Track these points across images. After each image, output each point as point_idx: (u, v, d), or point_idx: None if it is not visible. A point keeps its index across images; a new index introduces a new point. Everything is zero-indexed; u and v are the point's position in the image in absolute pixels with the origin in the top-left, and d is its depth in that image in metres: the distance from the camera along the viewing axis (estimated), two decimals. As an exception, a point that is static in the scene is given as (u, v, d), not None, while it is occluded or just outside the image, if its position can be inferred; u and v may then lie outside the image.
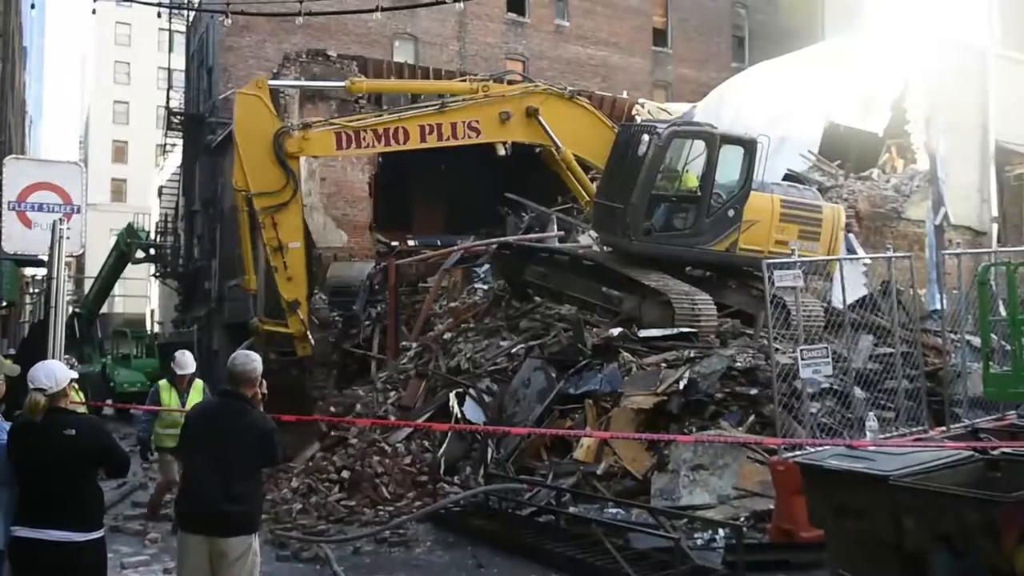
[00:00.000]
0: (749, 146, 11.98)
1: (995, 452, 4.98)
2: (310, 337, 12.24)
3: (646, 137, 11.93)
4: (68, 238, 7.61)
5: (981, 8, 21.36)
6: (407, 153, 20.82)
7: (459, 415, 10.68)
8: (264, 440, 4.54)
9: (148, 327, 41.68)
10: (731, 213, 11.90)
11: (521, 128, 12.52)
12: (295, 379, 12.20)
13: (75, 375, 4.73)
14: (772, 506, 7.57)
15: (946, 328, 10.08)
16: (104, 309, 33.43)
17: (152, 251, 31.91)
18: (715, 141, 11.83)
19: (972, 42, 19.31)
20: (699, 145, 11.93)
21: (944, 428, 8.07)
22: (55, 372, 4.31)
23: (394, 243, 20.35)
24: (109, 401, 21.76)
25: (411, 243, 20.53)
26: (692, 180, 12.09)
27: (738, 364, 9.76)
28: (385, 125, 12.02)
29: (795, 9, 32.77)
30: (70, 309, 29.51)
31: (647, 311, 11.50)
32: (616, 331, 11.09)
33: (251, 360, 4.59)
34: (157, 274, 34.15)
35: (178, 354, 8.91)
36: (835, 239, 12.37)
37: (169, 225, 33.47)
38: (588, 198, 13.43)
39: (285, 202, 11.58)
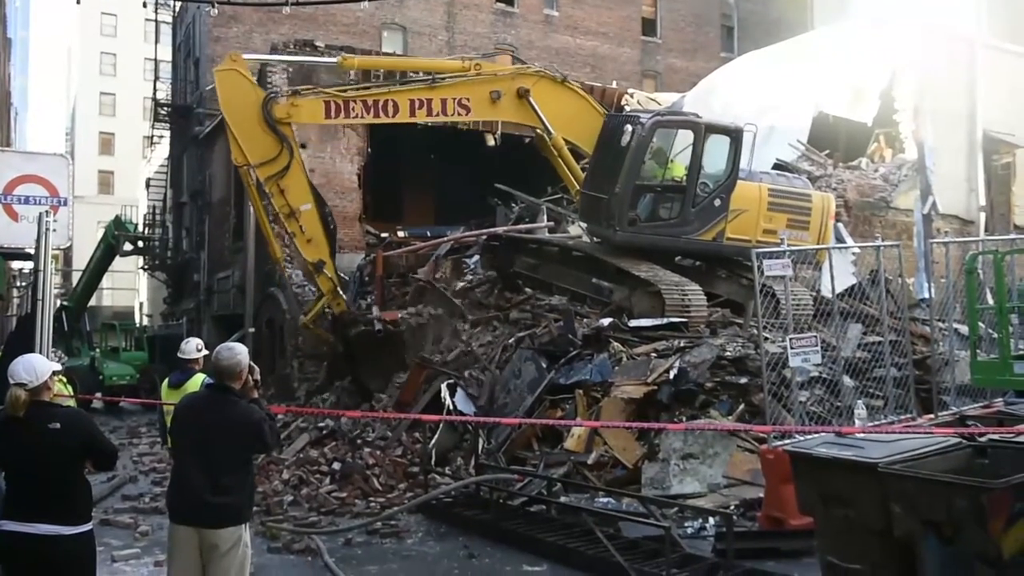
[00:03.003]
0: (735, 135, 11.95)
1: (982, 439, 5.01)
2: (342, 293, 12.34)
3: (629, 127, 11.88)
4: (55, 231, 7.55)
5: (968, -2, 21.44)
6: (397, 144, 20.91)
7: (450, 406, 10.69)
8: (253, 429, 4.53)
9: (137, 320, 41.49)
10: (717, 202, 11.91)
11: (512, 109, 12.48)
12: (384, 339, 12.33)
13: (57, 367, 4.69)
14: (762, 494, 7.61)
15: (934, 316, 10.14)
16: (92, 302, 33.20)
17: (140, 243, 31.71)
18: (700, 130, 11.82)
19: (960, 32, 19.36)
20: (685, 135, 11.90)
21: (932, 416, 8.12)
22: (35, 366, 4.27)
23: (384, 234, 20.32)
24: (98, 394, 21.66)
25: (401, 234, 20.51)
26: (678, 170, 12.07)
27: (728, 353, 9.80)
28: (375, 97, 11.94)
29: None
30: (58, 302, 29.33)
31: (637, 302, 11.53)
32: (606, 321, 11.11)
33: (235, 353, 4.57)
34: (145, 267, 33.97)
35: (183, 342, 8.79)
36: (825, 228, 12.34)
37: (157, 217, 33.30)
38: (578, 187, 13.44)
39: (286, 166, 11.59)
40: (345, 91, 11.93)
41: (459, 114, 12.31)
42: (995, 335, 8.06)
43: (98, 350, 27.19)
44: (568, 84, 13.04)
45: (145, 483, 11.50)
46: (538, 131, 13.05)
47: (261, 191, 11.84)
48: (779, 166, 16.23)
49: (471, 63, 12.46)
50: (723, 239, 11.93)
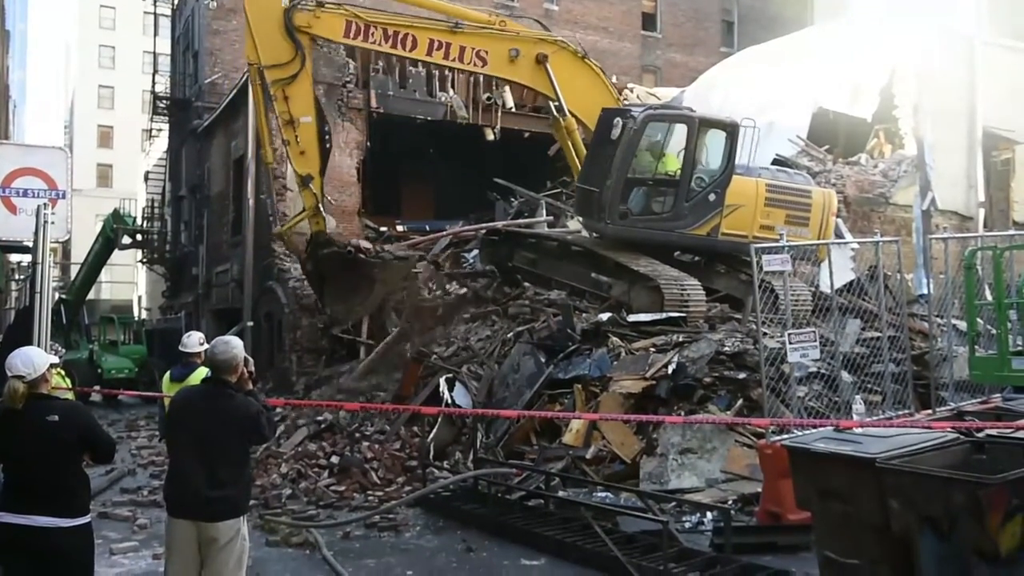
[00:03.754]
0: (731, 130, 11.90)
1: (980, 434, 5.02)
2: (323, 211, 12.47)
3: (620, 120, 11.81)
4: (53, 223, 7.54)
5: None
6: (396, 138, 20.88)
7: (449, 400, 10.69)
8: (250, 422, 4.54)
9: (135, 313, 41.46)
10: (712, 197, 11.87)
11: (528, 71, 12.50)
12: (335, 256, 12.38)
13: (55, 359, 4.69)
14: (760, 489, 7.62)
15: (932, 312, 10.15)
16: (91, 295, 33.16)
17: (139, 237, 31.65)
18: (694, 124, 11.81)
19: (960, 28, 19.34)
20: (681, 129, 11.87)
21: (930, 411, 8.13)
22: (32, 358, 4.27)
23: (383, 228, 20.29)
24: (97, 387, 21.65)
25: (400, 228, 20.49)
26: (674, 164, 12.04)
27: (726, 348, 9.81)
28: (396, 27, 12.04)
29: (784, -6, 32.75)
30: (56, 295, 29.29)
31: (636, 296, 11.54)
32: (605, 316, 11.12)
33: (231, 347, 4.58)
34: (144, 260, 33.90)
35: (185, 336, 8.77)
36: (826, 224, 12.26)
37: (156, 211, 33.23)
38: None
39: (295, 74, 11.62)
40: (370, 14, 12.02)
41: (475, 65, 12.36)
42: (993, 331, 8.07)
43: (97, 343, 27.16)
44: (587, 61, 13.04)
45: (144, 476, 11.51)
46: (553, 108, 13.04)
47: (266, 94, 11.83)
48: (778, 162, 16.22)
49: (497, 18, 12.59)
50: (718, 234, 11.89)
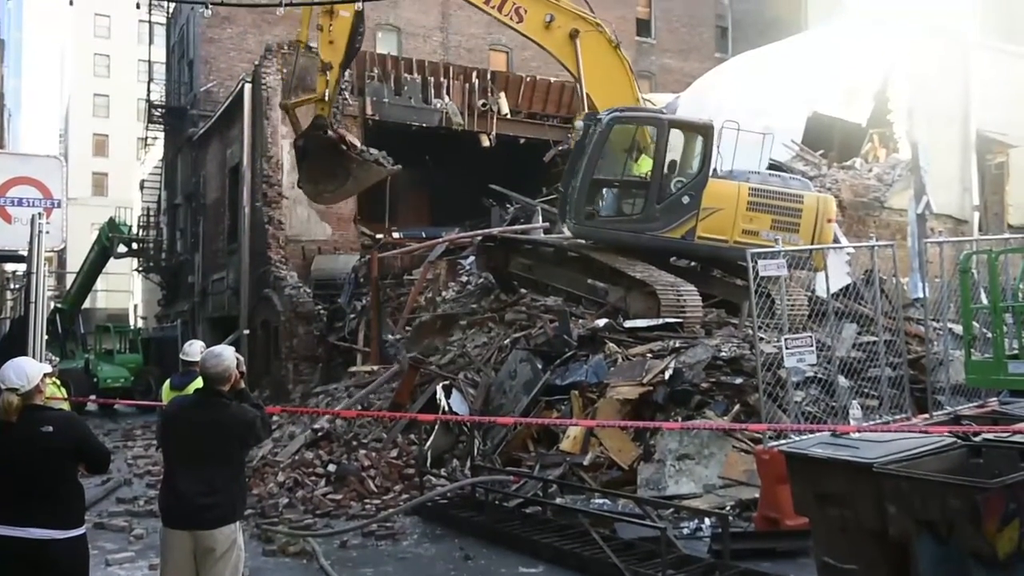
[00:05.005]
0: (704, 131, 11.81)
1: (977, 438, 5.01)
2: (332, 97, 13.11)
3: (580, 123, 12.03)
4: (48, 233, 7.53)
5: (961, -2, 21.49)
6: (392, 145, 20.87)
7: (446, 407, 10.67)
8: (245, 428, 4.54)
9: (131, 322, 41.37)
10: (686, 199, 11.67)
11: (558, 42, 12.87)
12: (324, 140, 12.99)
13: (48, 369, 4.66)
14: (757, 495, 7.61)
15: (928, 316, 10.14)
16: (86, 304, 33.10)
17: (134, 245, 31.62)
18: (663, 126, 11.76)
19: (953, 32, 19.41)
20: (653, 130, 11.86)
21: (927, 415, 8.13)
22: (26, 369, 4.24)
23: (379, 235, 20.29)
24: (93, 397, 21.59)
25: (396, 235, 20.49)
26: (649, 165, 12.01)
27: (723, 354, 9.79)
28: None
29: (777, 0, 32.85)
30: (51, 304, 29.22)
31: (633, 302, 11.53)
32: (602, 322, 11.11)
33: (222, 360, 4.57)
34: (140, 268, 33.86)
35: (187, 344, 8.73)
36: (819, 230, 11.81)
37: (151, 219, 33.20)
38: None
39: None
40: None
41: (511, 19, 12.72)
42: (989, 334, 8.07)
43: (92, 352, 27.10)
44: (619, 52, 13.21)
45: (140, 486, 11.47)
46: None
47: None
48: (774, 166, 16.24)
49: None
50: (694, 237, 11.68)
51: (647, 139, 12.14)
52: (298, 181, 14.32)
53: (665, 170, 11.92)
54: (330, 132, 13.04)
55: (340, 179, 13.42)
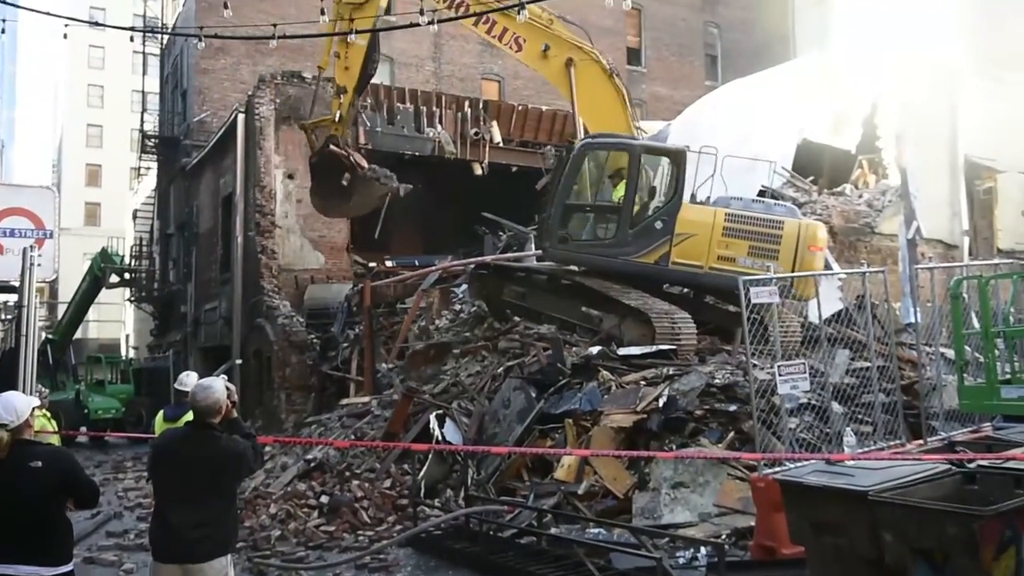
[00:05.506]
0: (676, 157, 11.90)
1: (971, 465, 5.01)
2: (346, 119, 14.24)
3: (563, 151, 12.24)
4: (39, 265, 7.51)
5: (948, 26, 21.78)
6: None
7: (440, 437, 10.61)
8: (236, 461, 4.51)
9: (123, 352, 41.17)
10: (659, 225, 11.70)
11: (554, 70, 13.40)
12: (331, 155, 14.02)
13: (37, 403, 4.63)
14: (753, 523, 7.57)
15: (920, 341, 10.17)
16: (78, 334, 32.96)
17: (127, 275, 31.57)
18: (635, 152, 11.90)
19: (940, 59, 19.65)
20: (646, 158, 11.99)
21: (921, 441, 8.12)
22: (15, 404, 4.21)
23: (371, 264, 20.30)
24: (83, 428, 21.42)
25: (389, 264, 20.50)
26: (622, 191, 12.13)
27: (717, 381, 9.78)
28: None
29: (766, 29, 33.26)
30: (43, 335, 29.06)
31: (627, 330, 11.52)
32: (595, 350, 11.09)
33: (212, 392, 4.55)
34: (132, 298, 33.76)
35: (183, 374, 8.69)
36: (800, 257, 11.44)
37: (144, 249, 33.17)
38: None
39: (362, 3, 13.13)
40: None
41: (511, 48, 13.35)
42: (982, 359, 8.09)
43: (83, 383, 26.94)
44: (614, 79, 13.50)
45: (130, 519, 11.36)
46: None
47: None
48: (764, 193, 16.34)
49: (547, 15, 13.39)
50: (667, 263, 11.69)
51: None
52: (310, 194, 15.48)
53: (645, 196, 12.04)
54: (333, 147, 13.84)
55: (346, 195, 14.25)
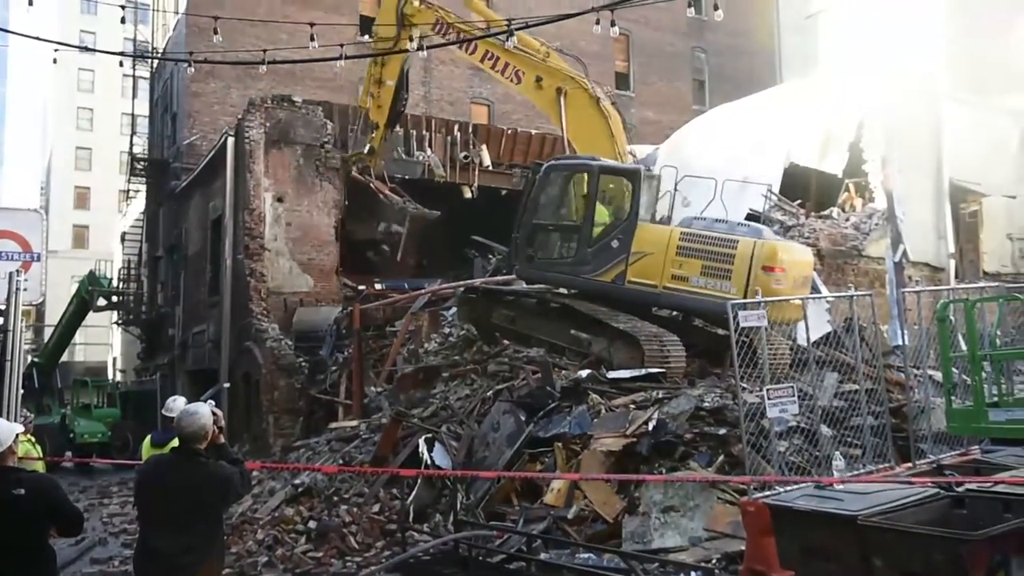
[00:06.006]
0: (632, 176, 12.10)
1: (960, 489, 5.02)
2: (378, 151, 17.01)
3: (531, 173, 12.93)
4: (25, 290, 7.46)
5: (931, 52, 22.08)
6: (373, 197, 21.13)
7: (428, 461, 10.55)
8: (223, 487, 4.47)
9: (110, 375, 40.86)
10: (615, 244, 11.85)
11: (547, 99, 14.28)
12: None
13: (21, 429, 4.59)
14: (743, 547, 7.53)
15: (908, 363, 10.20)
16: (64, 357, 32.73)
17: (114, 298, 31.41)
18: (594, 172, 12.22)
19: (924, 84, 19.90)
20: (608, 179, 12.29)
21: (910, 464, 8.13)
22: None
23: (361, 287, 20.26)
24: (68, 454, 21.20)
25: (378, 287, 20.47)
26: (602, 214, 12.30)
27: (706, 404, 9.77)
28: (467, 33, 14.62)
29: (752, 54, 33.63)
30: (28, 358, 28.83)
31: (616, 353, 11.52)
32: (585, 373, 11.08)
33: (198, 418, 4.52)
34: (119, 321, 33.56)
35: (170, 399, 8.61)
36: (753, 277, 11.04)
37: (132, 272, 33.03)
38: None
39: (392, 46, 15.09)
40: (457, 21, 14.98)
41: (511, 80, 14.48)
42: (969, 381, 8.11)
43: (69, 407, 26.70)
44: (601, 106, 14.12)
45: (115, 545, 11.23)
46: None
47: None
48: (752, 216, 16.44)
49: (544, 49, 14.33)
50: (624, 281, 11.77)
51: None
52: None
53: (610, 216, 12.29)
54: (356, 175, 16.65)
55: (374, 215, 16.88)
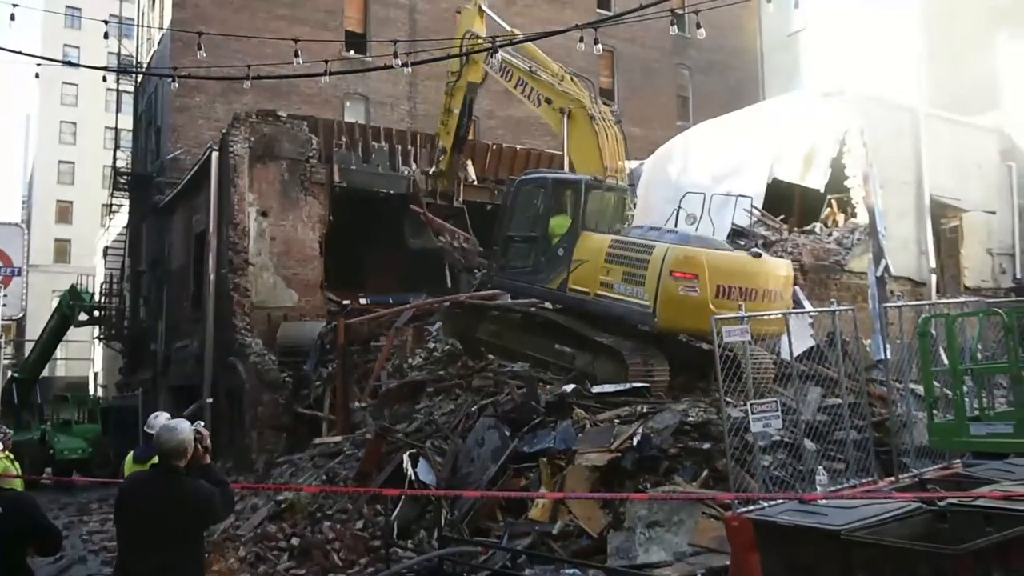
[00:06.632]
0: (574, 187, 12.51)
1: (942, 503, 5.05)
2: (446, 173, 19.00)
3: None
4: (5, 306, 7.40)
5: (910, 70, 22.39)
6: (358, 212, 21.08)
7: (413, 476, 10.50)
8: (202, 507, 4.42)
9: (91, 391, 40.48)
10: (561, 252, 12.14)
11: (556, 119, 15.33)
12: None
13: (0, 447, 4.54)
14: (728, 562, 7.53)
15: (890, 377, 10.26)
16: (45, 372, 32.39)
17: (96, 313, 31.15)
18: (547, 184, 12.77)
19: (904, 101, 20.14)
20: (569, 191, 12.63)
21: (893, 478, 8.17)
22: None
23: (345, 302, 20.20)
24: (48, 471, 20.95)
25: (363, 301, 20.41)
26: (560, 225, 12.46)
27: (691, 418, 9.79)
28: (509, 66, 15.63)
29: (736, 71, 33.94)
30: (8, 373, 28.54)
31: (600, 367, 11.53)
32: (569, 388, 11.07)
33: (177, 433, 4.47)
34: (101, 336, 33.28)
35: (152, 416, 8.51)
36: (662, 284, 10.77)
37: (114, 286, 32.80)
38: None
39: (455, 81, 17.13)
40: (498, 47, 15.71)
41: (535, 104, 15.53)
42: (951, 395, 8.17)
43: (49, 423, 26.41)
44: (592, 123, 14.70)
45: (95, 563, 11.10)
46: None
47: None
48: (736, 231, 16.54)
49: (562, 73, 15.31)
50: (566, 289, 12.01)
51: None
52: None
53: (581, 227, 12.43)
54: (413, 206, 19.25)
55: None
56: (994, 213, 20.99)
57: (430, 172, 19.37)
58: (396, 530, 9.72)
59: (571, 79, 15.27)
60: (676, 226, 13.17)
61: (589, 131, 14.69)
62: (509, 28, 16.72)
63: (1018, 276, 21.21)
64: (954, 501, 5.02)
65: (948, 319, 8.44)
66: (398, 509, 9.98)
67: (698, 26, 12.79)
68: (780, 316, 9.96)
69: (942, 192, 19.72)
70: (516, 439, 10.21)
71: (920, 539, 4.51)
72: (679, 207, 13.89)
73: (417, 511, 10.18)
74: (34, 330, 35.52)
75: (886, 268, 17.79)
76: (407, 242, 20.60)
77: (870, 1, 24.67)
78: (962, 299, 14.46)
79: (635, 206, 16.96)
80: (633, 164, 22.58)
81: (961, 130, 20.83)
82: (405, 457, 10.77)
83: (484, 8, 17.14)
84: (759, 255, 11.85)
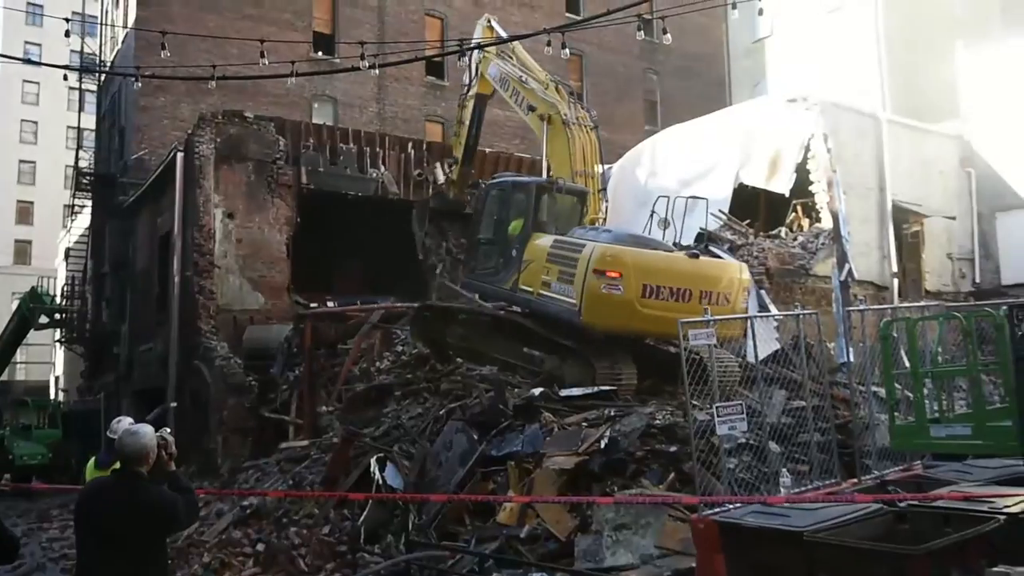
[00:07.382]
0: (525, 190, 12.81)
1: (902, 504, 5.13)
2: (456, 180, 20.41)
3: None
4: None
5: (873, 77, 22.78)
6: (327, 214, 20.94)
7: (380, 480, 10.44)
8: (165, 513, 4.34)
9: (52, 395, 39.73)
10: (514, 253, 12.38)
11: (538, 126, 16.05)
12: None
13: None
14: (694, 564, 7.58)
15: (853, 380, 10.40)
16: (4, 376, 31.77)
17: (57, 315, 30.58)
18: (507, 188, 13.14)
19: (866, 108, 20.47)
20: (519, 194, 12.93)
21: (855, 480, 8.28)
22: None
23: (313, 304, 20.05)
24: (7, 477, 20.54)
25: (330, 304, 20.27)
26: (517, 227, 12.68)
27: (657, 421, 9.85)
28: (507, 77, 16.71)
29: (703, 76, 34.27)
30: (-34, 378, 27.93)
31: (568, 371, 11.56)
32: (537, 391, 11.09)
33: (139, 438, 4.40)
34: (62, 339, 32.67)
35: (114, 421, 8.35)
36: (586, 282, 10.91)
37: (76, 288, 32.22)
38: None
39: (466, 94, 18.69)
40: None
41: (525, 111, 16.27)
42: (912, 397, 8.31)
43: (8, 428, 25.88)
44: (565, 128, 15.42)
45: (54, 571, 10.90)
46: None
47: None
48: (703, 235, 16.67)
49: (549, 80, 16.11)
50: (517, 289, 12.24)
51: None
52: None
53: (550, 230, 12.62)
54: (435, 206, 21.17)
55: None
56: (954, 219, 21.42)
57: (442, 179, 20.99)
58: (363, 535, 9.67)
59: (555, 87, 15.92)
60: (649, 230, 13.36)
61: (560, 135, 15.25)
62: (506, 35, 17.57)
63: (977, 280, 21.65)
64: (914, 502, 5.11)
65: (909, 323, 8.59)
66: (365, 513, 9.93)
67: (664, 31, 12.95)
68: (738, 320, 10.07)
69: (904, 197, 20.08)
70: (484, 443, 10.21)
71: (881, 540, 4.59)
72: (653, 211, 14.01)
73: (384, 515, 10.13)
74: (-7, 333, 34.77)
75: (849, 272, 18.06)
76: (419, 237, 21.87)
77: (834, 9, 25.08)
78: (923, 303, 14.73)
79: (606, 209, 17.03)
80: (601, 168, 22.70)
81: (922, 137, 21.24)
82: (372, 461, 10.72)
83: (494, 24, 18.41)
84: (696, 256, 11.89)
